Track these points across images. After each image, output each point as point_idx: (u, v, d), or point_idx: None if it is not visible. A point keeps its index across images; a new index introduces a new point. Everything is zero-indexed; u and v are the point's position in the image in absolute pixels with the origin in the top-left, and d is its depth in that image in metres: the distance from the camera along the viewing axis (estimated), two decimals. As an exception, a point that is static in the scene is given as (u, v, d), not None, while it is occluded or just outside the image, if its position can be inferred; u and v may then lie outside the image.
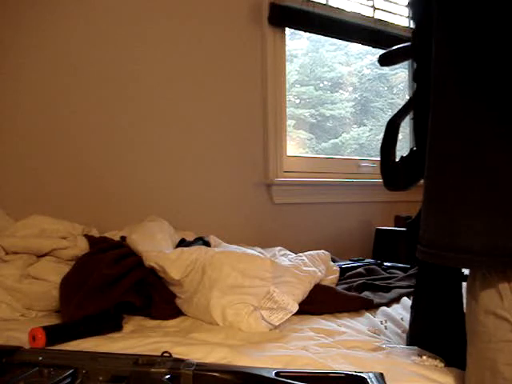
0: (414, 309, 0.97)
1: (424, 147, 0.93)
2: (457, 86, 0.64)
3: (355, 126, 2.63)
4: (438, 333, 0.90)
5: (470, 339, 0.68)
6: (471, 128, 0.62)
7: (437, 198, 0.67)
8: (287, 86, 2.11)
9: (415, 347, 0.89)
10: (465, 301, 0.95)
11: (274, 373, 0.63)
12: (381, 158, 1.02)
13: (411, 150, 0.97)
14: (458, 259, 0.63)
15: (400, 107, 1.02)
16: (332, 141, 2.52)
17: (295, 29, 2.15)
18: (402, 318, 1.15)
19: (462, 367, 0.80)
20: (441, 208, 0.65)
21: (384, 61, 1.06)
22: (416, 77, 0.94)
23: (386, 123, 1.03)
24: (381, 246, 1.75)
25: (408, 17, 2.43)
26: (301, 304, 1.10)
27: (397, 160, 1.02)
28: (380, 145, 1.03)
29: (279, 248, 1.58)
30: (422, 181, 0.96)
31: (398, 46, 1.08)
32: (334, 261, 1.55)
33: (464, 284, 0.82)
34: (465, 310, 0.94)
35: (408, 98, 2.67)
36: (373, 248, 1.82)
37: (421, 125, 0.93)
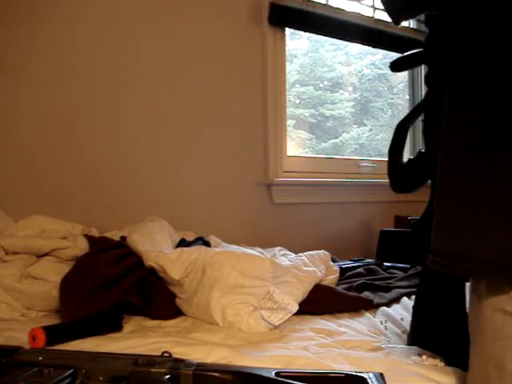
0: (416, 308, 0.97)
1: (433, 149, 0.93)
2: (473, 93, 0.64)
3: (355, 126, 2.62)
4: (439, 332, 0.90)
5: (474, 338, 0.67)
6: (487, 136, 0.62)
7: (450, 206, 0.66)
8: (287, 85, 2.11)
9: (415, 347, 0.89)
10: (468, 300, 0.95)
11: (274, 373, 0.63)
12: (388, 160, 1.03)
13: (419, 152, 0.97)
14: (474, 270, 0.62)
15: (410, 110, 1.03)
16: (332, 141, 2.52)
17: (295, 29, 2.15)
18: (401, 319, 1.15)
19: (462, 367, 0.80)
20: (454, 217, 0.64)
21: (396, 67, 1.07)
22: (427, 80, 0.94)
23: (385, 123, 1.04)
24: (385, 247, 1.74)
25: (420, 22, 2.43)
26: (301, 304, 1.10)
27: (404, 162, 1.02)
28: (388, 148, 1.03)
29: (279, 248, 1.58)
30: (428, 182, 0.96)
31: (410, 52, 1.09)
32: (334, 261, 1.55)
33: (467, 284, 0.81)
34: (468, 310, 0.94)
35: (408, 97, 2.66)
36: (376, 250, 1.82)
37: (431, 127, 0.93)
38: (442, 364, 0.81)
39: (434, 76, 0.92)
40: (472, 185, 0.63)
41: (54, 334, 0.88)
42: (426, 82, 0.95)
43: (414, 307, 0.98)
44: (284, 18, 1.99)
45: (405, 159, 1.04)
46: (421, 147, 1.01)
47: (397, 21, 0.81)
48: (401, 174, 1.01)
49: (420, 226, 0.97)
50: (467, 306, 0.95)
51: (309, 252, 1.40)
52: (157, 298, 1.13)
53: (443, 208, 0.67)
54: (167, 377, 0.62)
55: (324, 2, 2.13)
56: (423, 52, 1.00)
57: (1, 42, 1.48)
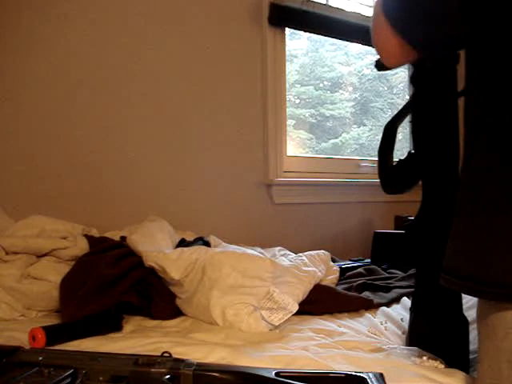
0: (413, 311, 0.97)
1: (422, 150, 0.93)
2: (497, 106, 0.63)
3: (355, 126, 2.63)
4: (437, 335, 0.90)
5: (483, 334, 0.67)
6: None
7: (477, 227, 0.64)
8: (287, 85, 2.11)
9: (415, 348, 0.89)
10: (467, 299, 0.95)
11: (274, 373, 0.63)
12: (378, 161, 1.03)
13: (409, 153, 0.97)
14: (507, 294, 0.61)
15: (397, 111, 1.03)
16: (332, 141, 2.52)
17: (295, 29, 2.15)
18: (401, 319, 1.15)
19: (461, 369, 0.81)
20: (483, 239, 0.63)
21: (381, 66, 1.07)
22: (413, 81, 0.94)
23: (385, 123, 1.04)
24: (380, 249, 1.74)
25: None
26: (301, 304, 1.10)
27: (394, 163, 1.02)
28: (378, 148, 1.03)
29: (279, 248, 1.58)
30: (420, 183, 0.96)
31: None
32: (334, 261, 1.55)
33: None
34: (468, 312, 0.94)
35: (408, 97, 2.67)
36: (371, 252, 1.82)
37: (419, 128, 0.94)
38: (442, 366, 0.81)
39: (419, 76, 0.92)
40: (506, 207, 0.62)
41: (54, 334, 0.88)
42: (411, 82, 0.95)
43: (411, 309, 0.98)
44: (284, 18, 1.99)
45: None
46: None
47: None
48: (391, 175, 1.01)
49: (414, 227, 0.97)
50: (466, 306, 0.96)
51: (309, 252, 1.40)
52: (157, 297, 1.13)
53: (469, 229, 0.66)
54: (167, 377, 0.62)
55: (324, 2, 2.13)
56: None
57: (3, 40, 1.48)
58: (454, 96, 0.89)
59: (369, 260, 1.75)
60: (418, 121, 0.94)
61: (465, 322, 0.91)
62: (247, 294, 1.06)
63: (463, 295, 0.92)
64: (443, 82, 0.90)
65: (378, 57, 0.75)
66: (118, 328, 1.01)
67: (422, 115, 0.93)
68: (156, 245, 1.23)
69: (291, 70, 2.37)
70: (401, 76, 2.71)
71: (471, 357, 0.90)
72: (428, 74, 0.90)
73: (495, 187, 0.63)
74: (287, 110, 2.10)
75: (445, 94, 0.90)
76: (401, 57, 0.70)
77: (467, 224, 0.67)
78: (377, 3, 0.68)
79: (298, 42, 2.44)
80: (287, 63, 2.11)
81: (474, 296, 0.67)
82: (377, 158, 1.04)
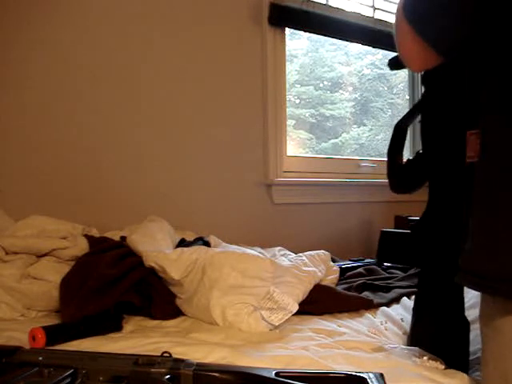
0: (416, 312, 0.96)
1: (431, 150, 0.93)
2: None
3: (355, 126, 2.62)
4: (439, 336, 0.90)
5: (489, 336, 0.67)
6: None
7: (500, 226, 0.63)
8: (287, 86, 2.11)
9: (416, 348, 0.89)
10: (466, 299, 0.95)
11: (274, 373, 0.63)
12: (388, 161, 1.02)
13: (417, 152, 0.97)
14: None
15: (408, 110, 1.02)
16: (332, 141, 2.52)
17: (295, 29, 2.15)
18: (402, 319, 1.15)
19: (462, 370, 0.81)
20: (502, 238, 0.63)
21: (394, 65, 1.07)
22: (425, 80, 0.94)
23: (385, 123, 1.04)
24: (385, 248, 1.75)
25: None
26: (301, 304, 1.10)
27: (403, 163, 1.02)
28: (387, 148, 1.03)
29: (279, 248, 1.58)
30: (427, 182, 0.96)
31: None
32: (334, 261, 1.55)
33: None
34: (467, 312, 0.94)
35: (408, 97, 2.65)
36: (377, 250, 1.82)
37: (428, 128, 0.93)
38: (443, 367, 0.81)
39: (431, 76, 0.92)
40: None
41: (54, 334, 0.88)
42: (423, 82, 0.94)
43: (413, 309, 0.98)
44: (284, 18, 1.99)
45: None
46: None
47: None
48: (400, 175, 1.01)
49: (419, 227, 0.97)
50: (467, 306, 0.96)
51: (309, 252, 1.40)
52: (157, 297, 1.13)
53: (483, 227, 0.66)
54: (167, 377, 0.62)
55: (324, 2, 2.13)
56: None
57: (4, 39, 1.48)
58: (464, 97, 0.89)
59: (369, 260, 1.76)
60: (427, 121, 0.94)
61: (466, 324, 0.91)
62: (247, 294, 1.06)
63: (464, 296, 0.93)
64: (454, 83, 0.90)
65: (391, 56, 0.73)
66: (118, 328, 1.01)
67: (432, 115, 0.93)
68: (156, 245, 1.23)
69: (291, 70, 2.37)
70: (401, 76, 2.71)
71: (471, 358, 0.90)
72: (439, 75, 0.90)
73: (506, 186, 0.63)
74: (287, 109, 2.10)
75: (455, 94, 0.90)
76: (425, 61, 0.70)
77: (482, 223, 0.67)
78: (398, 9, 0.68)
79: (297, 42, 2.44)
80: (287, 63, 2.11)
81: (489, 294, 0.66)
82: (379, 155, 1.03)
